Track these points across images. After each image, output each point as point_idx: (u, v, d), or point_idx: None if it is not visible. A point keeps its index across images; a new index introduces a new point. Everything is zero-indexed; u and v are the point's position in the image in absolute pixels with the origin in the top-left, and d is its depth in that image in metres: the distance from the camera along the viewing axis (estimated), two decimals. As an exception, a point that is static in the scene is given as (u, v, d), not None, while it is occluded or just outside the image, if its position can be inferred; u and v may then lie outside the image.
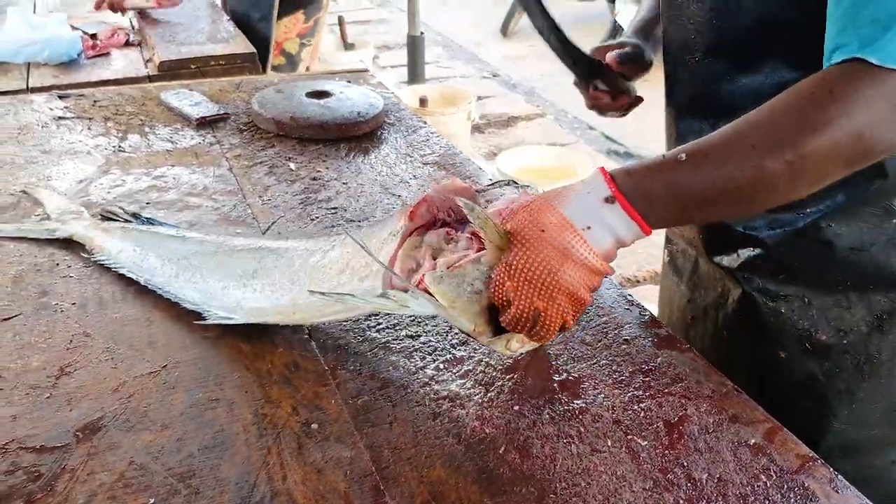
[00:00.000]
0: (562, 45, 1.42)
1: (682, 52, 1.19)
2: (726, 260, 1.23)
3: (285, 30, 3.03)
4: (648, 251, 4.11)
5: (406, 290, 0.95)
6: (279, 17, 3.02)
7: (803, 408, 1.10)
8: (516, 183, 1.05)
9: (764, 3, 1.04)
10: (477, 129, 5.51)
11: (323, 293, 0.99)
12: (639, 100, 1.45)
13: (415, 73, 5.15)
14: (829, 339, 1.16)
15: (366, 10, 9.19)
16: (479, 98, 5.70)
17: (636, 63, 1.43)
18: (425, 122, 1.94)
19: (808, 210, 1.12)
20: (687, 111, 1.23)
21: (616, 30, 6.73)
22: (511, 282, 0.88)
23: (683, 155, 0.88)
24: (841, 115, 0.83)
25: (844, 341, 1.17)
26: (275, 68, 3.12)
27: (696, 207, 0.92)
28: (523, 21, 8.12)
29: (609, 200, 0.88)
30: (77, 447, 0.93)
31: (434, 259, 0.96)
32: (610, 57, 1.41)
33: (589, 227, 0.88)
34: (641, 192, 0.88)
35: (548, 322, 0.90)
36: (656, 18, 1.42)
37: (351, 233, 1.04)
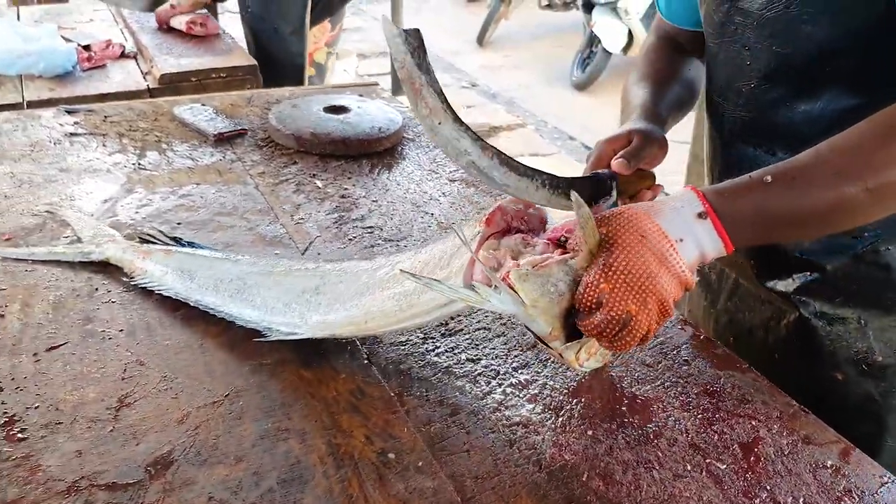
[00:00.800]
0: (555, 189, 1.03)
1: (734, 78, 1.18)
2: (780, 284, 1.23)
3: (314, 40, 2.98)
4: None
5: (490, 285, 0.93)
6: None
7: (860, 428, 1.10)
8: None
9: (827, 29, 1.04)
10: (459, 138, 5.51)
11: (413, 275, 0.97)
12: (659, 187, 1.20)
13: (398, 83, 5.12)
14: (886, 360, 1.17)
15: (339, 19, 9.15)
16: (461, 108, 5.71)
17: (650, 150, 1.14)
18: (445, 138, 1.93)
19: (866, 234, 1.12)
20: (739, 138, 1.21)
21: (593, 40, 6.78)
22: (607, 283, 0.87)
23: (769, 177, 0.91)
24: None
25: None
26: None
27: (779, 229, 0.95)
28: (499, 31, 8.16)
29: (702, 216, 0.90)
30: (151, 483, 0.90)
31: (514, 259, 0.95)
32: (617, 164, 1.09)
33: (682, 240, 0.89)
34: (730, 212, 0.90)
35: (635, 328, 0.89)
36: (655, 100, 1.26)
37: (455, 228, 1.00)
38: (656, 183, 1.18)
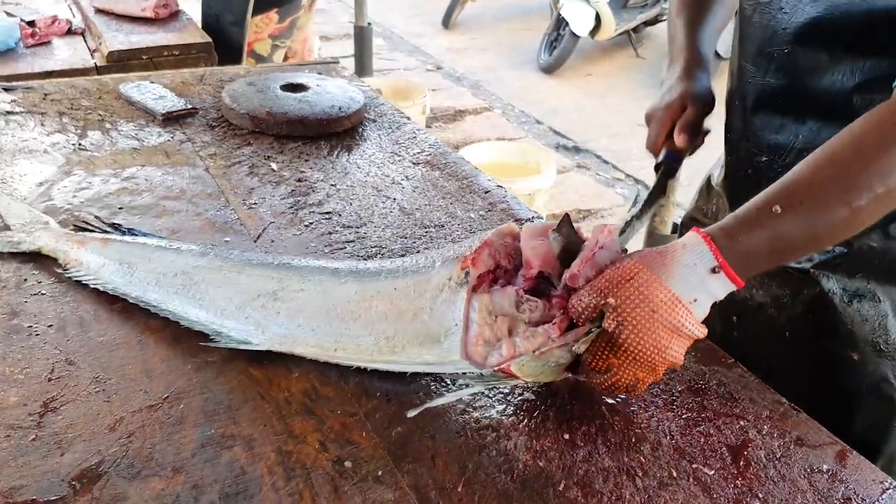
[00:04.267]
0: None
1: (768, 42, 1.11)
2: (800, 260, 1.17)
3: (256, 30, 2.85)
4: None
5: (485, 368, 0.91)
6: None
7: (872, 410, 1.05)
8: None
9: None
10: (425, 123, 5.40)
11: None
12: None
13: (362, 65, 5.00)
14: None
15: (302, 1, 8.95)
16: (426, 91, 5.59)
17: (703, 114, 1.25)
18: (409, 119, 1.83)
19: None
20: (767, 106, 1.15)
21: (560, 23, 6.69)
22: (616, 358, 0.87)
23: (778, 207, 0.86)
24: None
25: None
26: None
27: (792, 254, 0.93)
28: (465, 12, 8.05)
29: (715, 270, 0.86)
30: (75, 499, 0.80)
31: (510, 333, 0.90)
32: (681, 141, 1.22)
33: (696, 300, 0.86)
34: (743, 255, 0.86)
35: (643, 387, 0.90)
36: (698, 33, 1.30)
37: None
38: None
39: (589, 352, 0.88)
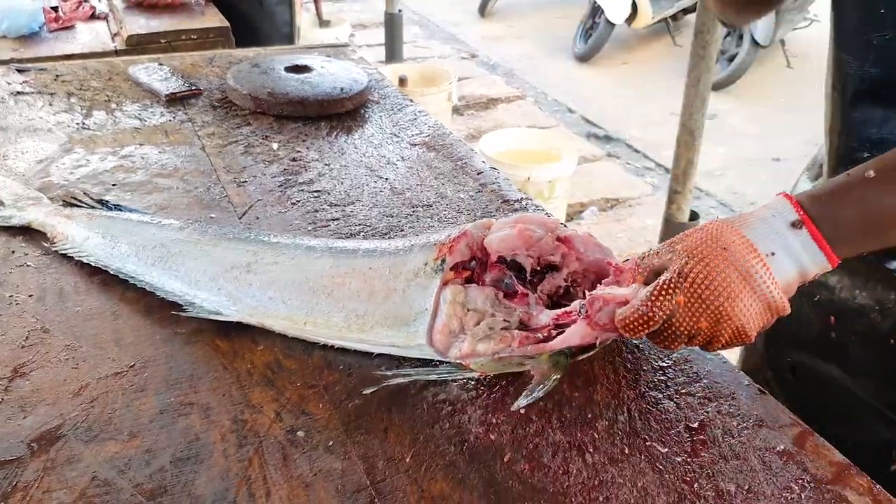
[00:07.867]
0: None
1: (865, 29, 1.02)
2: None
3: None
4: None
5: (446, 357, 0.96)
6: None
7: None
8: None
9: None
10: (456, 110, 5.39)
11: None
12: None
13: (392, 51, 5.02)
14: None
15: (341, -12, 8.99)
16: (459, 79, 5.58)
17: None
18: (411, 101, 1.84)
19: None
20: (867, 97, 1.06)
21: (596, 11, 6.63)
22: (683, 296, 0.81)
23: (872, 171, 0.80)
24: None
25: None
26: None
27: (890, 227, 0.83)
28: (502, 1, 8.02)
29: (796, 225, 0.81)
30: (31, 460, 0.82)
31: (475, 327, 0.94)
32: None
33: (773, 254, 0.81)
34: (830, 218, 0.80)
35: (701, 340, 0.84)
36: None
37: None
38: None
39: (657, 288, 0.83)
